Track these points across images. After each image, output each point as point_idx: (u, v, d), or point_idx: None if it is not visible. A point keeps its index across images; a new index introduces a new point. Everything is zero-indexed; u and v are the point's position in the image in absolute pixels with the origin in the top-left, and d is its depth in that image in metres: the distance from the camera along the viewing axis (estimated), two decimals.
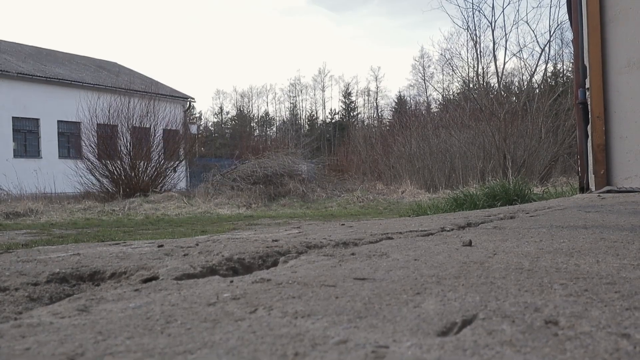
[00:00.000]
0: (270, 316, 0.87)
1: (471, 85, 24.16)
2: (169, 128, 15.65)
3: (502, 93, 22.64)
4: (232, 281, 1.16)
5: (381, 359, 0.65)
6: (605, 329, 0.78)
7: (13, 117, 21.15)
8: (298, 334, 0.78)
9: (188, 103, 25.54)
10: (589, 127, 5.56)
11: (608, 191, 5.12)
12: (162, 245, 1.65)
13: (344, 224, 2.83)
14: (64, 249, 1.67)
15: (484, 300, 0.94)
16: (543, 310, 0.87)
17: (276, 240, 1.81)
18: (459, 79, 27.87)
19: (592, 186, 5.57)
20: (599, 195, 4.70)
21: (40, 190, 13.55)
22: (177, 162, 15.56)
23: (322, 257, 1.49)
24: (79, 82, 22.71)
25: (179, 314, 0.89)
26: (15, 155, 21.06)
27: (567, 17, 7.91)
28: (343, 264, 1.37)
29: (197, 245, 1.69)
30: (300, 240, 1.81)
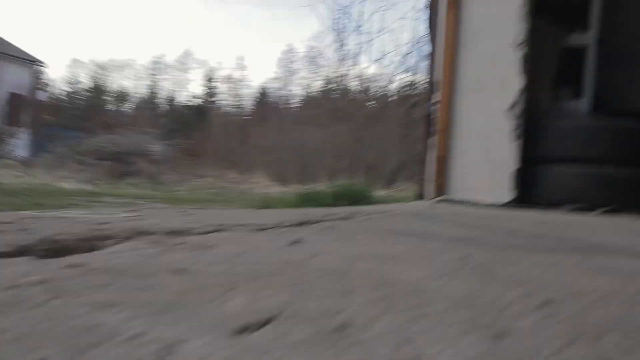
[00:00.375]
0: (71, 305, 0.85)
1: (332, 86, 24.72)
2: (13, 92, 14.64)
3: (361, 97, 23.36)
4: (42, 264, 1.12)
5: (168, 356, 0.66)
6: (393, 333, 0.84)
7: None
8: (96, 325, 0.77)
9: (39, 67, 23.99)
10: (433, 138, 5.89)
11: (443, 200, 5.45)
12: None
13: (184, 211, 2.81)
14: None
15: (290, 301, 0.98)
16: (342, 314, 0.92)
17: (106, 223, 1.76)
18: (321, 78, 28.41)
19: (430, 194, 5.90)
20: (434, 204, 5.00)
21: None
22: (18, 128, 14.61)
23: (148, 245, 1.47)
24: None
25: None
26: None
27: (426, 32, 8.31)
28: (167, 253, 1.37)
29: (16, 221, 1.61)
30: (132, 225, 1.78)
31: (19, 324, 0.74)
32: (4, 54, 16.99)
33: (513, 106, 5.13)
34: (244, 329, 0.80)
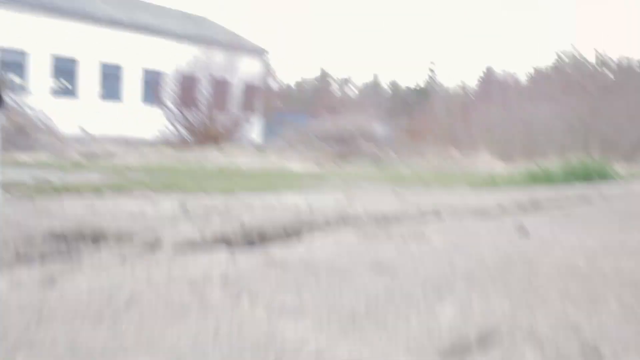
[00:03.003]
0: (250, 309, 0.74)
1: (565, 59, 23.00)
2: (247, 81, 15.66)
3: (597, 67, 21.47)
4: (234, 257, 1.03)
5: None
6: None
7: (101, 63, 21.67)
8: (269, 339, 0.64)
9: (268, 58, 25.49)
10: None
11: None
12: (185, 204, 1.54)
13: (401, 193, 2.66)
14: (83, 198, 1.59)
15: (515, 311, 0.77)
16: (583, 332, 0.70)
17: (313, 209, 1.67)
18: (553, 51, 26.61)
19: None
20: None
21: (120, 134, 13.88)
22: (252, 116, 15.59)
23: (351, 235, 1.34)
24: (165, 31, 22.99)
25: (148, 297, 0.77)
26: (101, 98, 21.65)
27: None
28: (372, 245, 1.22)
29: (224, 207, 1.58)
30: (340, 211, 1.67)
31: (187, 333, 0.64)
32: (239, 47, 18.26)
33: None
34: (456, 350, 0.62)
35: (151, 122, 14.47)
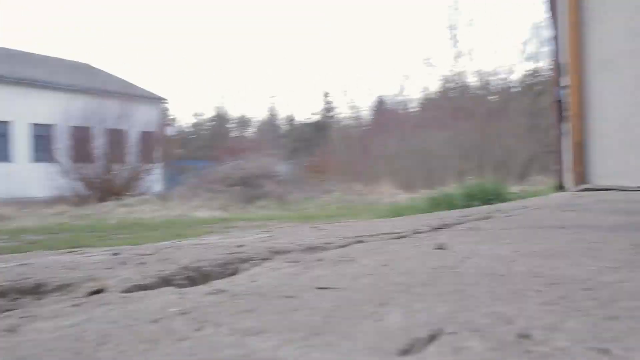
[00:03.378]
0: (217, 334, 0.79)
1: (450, 85, 24.16)
2: (144, 130, 15.47)
3: (481, 92, 22.68)
4: (184, 293, 1.08)
5: None
6: (582, 343, 0.71)
7: None
8: (244, 356, 0.69)
9: (164, 105, 25.27)
10: (565, 125, 5.55)
11: (585, 189, 5.10)
12: (118, 253, 1.56)
13: (316, 227, 2.75)
14: (12, 258, 1.57)
15: (452, 311, 0.87)
16: (516, 322, 0.80)
17: (241, 246, 1.72)
18: (438, 78, 27.86)
19: (569, 184, 5.55)
20: (575, 194, 4.68)
21: (11, 195, 13.30)
22: (152, 165, 15.38)
23: (287, 264, 1.41)
24: (52, 83, 22.29)
25: (117, 333, 0.80)
26: None
27: (545, 17, 7.93)
28: (307, 271, 1.29)
29: (156, 252, 1.60)
30: (267, 246, 1.73)
31: (168, 358, 0.68)
32: (133, 96, 18.05)
33: None
34: (409, 349, 0.70)
35: (44, 179, 13.94)
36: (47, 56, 26.89)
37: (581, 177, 5.39)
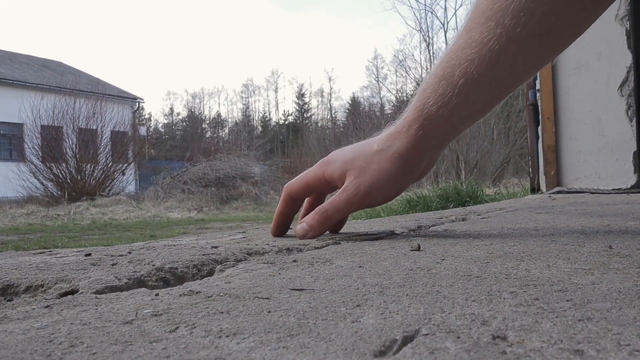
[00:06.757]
0: (192, 335, 0.78)
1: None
2: (117, 130, 15.31)
3: None
4: (157, 294, 1.06)
5: None
6: (557, 344, 0.71)
7: None
8: (219, 357, 0.69)
9: (137, 104, 25.03)
10: (539, 128, 5.62)
11: (558, 192, 5.16)
12: (89, 254, 1.54)
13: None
14: None
15: (428, 312, 0.87)
16: (491, 324, 0.80)
17: (216, 247, 1.71)
18: (412, 80, 28.06)
19: (543, 187, 5.62)
20: (549, 196, 4.73)
21: None
22: (125, 165, 15.24)
23: (262, 265, 1.40)
24: (21, 81, 21.95)
25: (88, 335, 0.79)
26: None
27: None
28: (282, 272, 1.28)
29: (129, 253, 1.58)
30: (242, 247, 1.72)
31: (141, 357, 0.67)
32: (105, 95, 17.84)
33: (622, 84, 4.81)
34: (385, 350, 0.70)
35: (14, 179, 13.74)
36: (16, 53, 26.47)
37: (555, 180, 5.46)
